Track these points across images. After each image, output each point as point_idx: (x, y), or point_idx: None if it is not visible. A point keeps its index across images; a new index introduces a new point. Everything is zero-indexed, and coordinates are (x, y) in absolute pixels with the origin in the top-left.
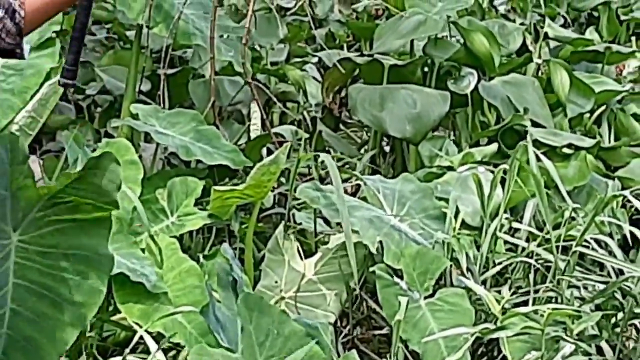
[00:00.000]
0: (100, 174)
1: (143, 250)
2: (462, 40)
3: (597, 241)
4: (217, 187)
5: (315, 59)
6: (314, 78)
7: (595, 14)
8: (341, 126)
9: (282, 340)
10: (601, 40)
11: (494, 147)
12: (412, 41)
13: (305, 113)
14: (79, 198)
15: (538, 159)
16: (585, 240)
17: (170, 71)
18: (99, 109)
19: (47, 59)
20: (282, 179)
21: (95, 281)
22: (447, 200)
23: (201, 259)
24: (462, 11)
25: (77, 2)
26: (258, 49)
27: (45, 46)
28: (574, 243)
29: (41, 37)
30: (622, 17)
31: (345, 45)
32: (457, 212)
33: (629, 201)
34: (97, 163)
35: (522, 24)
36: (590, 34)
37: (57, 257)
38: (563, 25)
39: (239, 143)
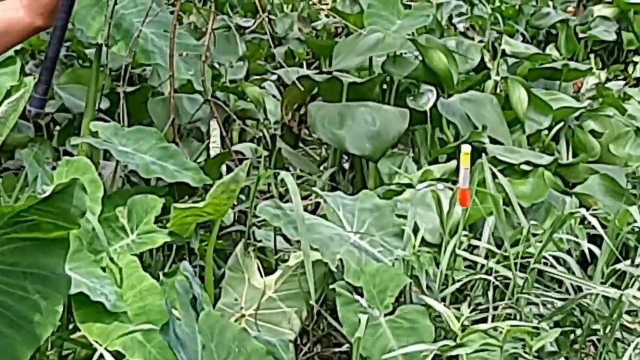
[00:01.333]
0: (68, 199)
1: (103, 269)
2: (420, 58)
3: (555, 258)
4: (177, 205)
5: (275, 77)
6: (273, 96)
7: (554, 31)
8: (301, 144)
9: (244, 358)
10: (560, 57)
11: (452, 164)
12: (370, 58)
13: (264, 130)
14: (41, 218)
15: (496, 177)
16: (544, 257)
17: (129, 89)
18: (57, 127)
19: (8, 78)
20: (242, 197)
21: (52, 301)
22: (406, 218)
23: (161, 277)
24: (421, 29)
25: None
26: (217, 66)
27: (6, 65)
28: (532, 260)
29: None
30: (580, 35)
31: (305, 63)
32: (417, 229)
33: (586, 218)
34: (66, 189)
35: (480, 41)
36: (551, 51)
37: (17, 275)
38: (522, 43)
39: (198, 160)
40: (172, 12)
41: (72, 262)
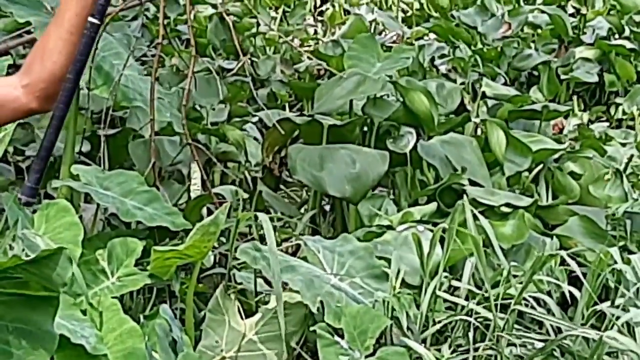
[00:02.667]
0: (52, 267)
1: (84, 311)
2: (401, 100)
3: (535, 299)
4: (157, 248)
5: (256, 119)
6: (255, 138)
7: (536, 73)
8: (282, 186)
9: None
10: (543, 99)
11: (432, 206)
12: (351, 101)
13: (246, 173)
14: (29, 277)
15: (476, 218)
16: (524, 299)
17: (110, 132)
18: None
19: None
20: (223, 239)
21: (37, 358)
22: (386, 259)
23: (142, 320)
24: (403, 70)
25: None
26: (199, 109)
27: None
28: (512, 301)
29: None
30: (563, 77)
31: (287, 105)
32: (398, 271)
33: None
34: (51, 256)
35: (462, 83)
36: (534, 93)
37: (2, 329)
38: (504, 84)
39: (179, 203)
40: (153, 55)
41: None
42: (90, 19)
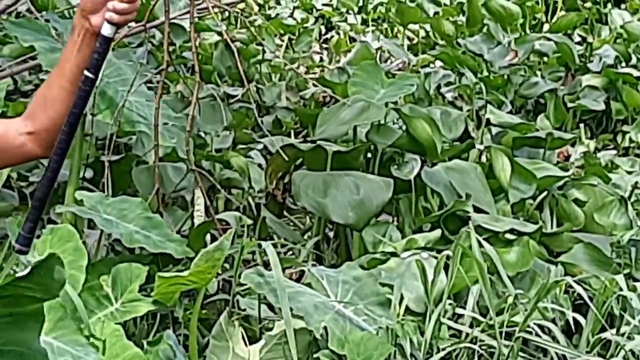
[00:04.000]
0: (48, 274)
1: (87, 337)
2: (405, 127)
3: (540, 327)
4: (161, 274)
5: (261, 146)
6: (259, 165)
7: (542, 101)
8: (285, 212)
9: None
10: (550, 127)
11: (437, 233)
12: (355, 127)
13: (250, 199)
14: (20, 293)
15: (480, 245)
16: (529, 326)
17: (114, 158)
18: None
19: None
20: (227, 265)
21: None
22: (390, 286)
23: (145, 346)
24: (409, 97)
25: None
26: (203, 135)
27: None
28: (517, 329)
29: None
30: (569, 105)
31: (292, 131)
32: (402, 298)
33: (572, 288)
34: (44, 264)
35: (469, 110)
36: (541, 121)
37: None
38: (510, 112)
39: (183, 229)
40: (158, 82)
41: (56, 330)
42: (85, 72)
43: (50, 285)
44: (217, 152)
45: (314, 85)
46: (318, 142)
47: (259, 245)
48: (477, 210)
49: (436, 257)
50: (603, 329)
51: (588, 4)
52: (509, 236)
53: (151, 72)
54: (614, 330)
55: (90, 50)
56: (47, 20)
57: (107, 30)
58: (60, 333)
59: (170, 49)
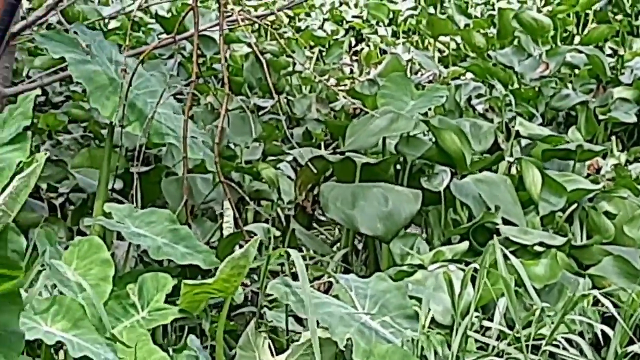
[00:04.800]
0: (3, 245)
1: (111, 340)
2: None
3: (567, 340)
4: (187, 282)
5: (290, 158)
6: (289, 177)
7: (574, 113)
8: (315, 224)
9: None
10: (581, 139)
11: (464, 245)
12: (384, 139)
13: (279, 211)
14: None
15: (507, 258)
16: (556, 339)
17: (143, 169)
18: (72, 207)
19: (18, 154)
20: (255, 276)
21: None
22: (418, 299)
23: (171, 353)
24: (439, 109)
25: None
26: (233, 147)
27: (16, 141)
28: (544, 342)
29: (12, 132)
30: (600, 117)
31: (322, 143)
32: (428, 310)
33: (599, 299)
34: None
35: (499, 122)
36: (572, 133)
37: None
38: (541, 125)
39: (211, 241)
40: (187, 93)
41: (75, 329)
42: None
43: (9, 258)
44: (246, 164)
45: (344, 97)
46: (347, 153)
47: (287, 255)
48: (506, 222)
49: (463, 270)
50: (631, 342)
51: (619, 17)
52: (538, 248)
53: (181, 84)
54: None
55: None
56: (75, 33)
57: None
58: (80, 332)
59: (201, 60)
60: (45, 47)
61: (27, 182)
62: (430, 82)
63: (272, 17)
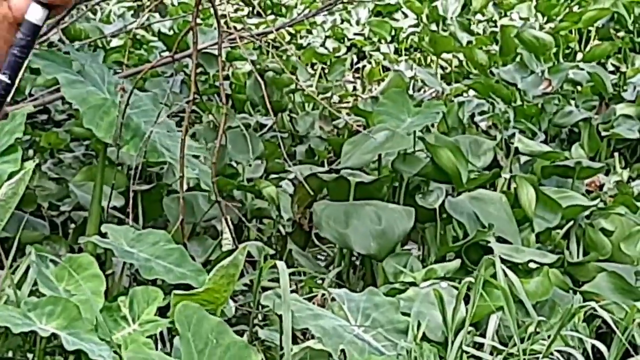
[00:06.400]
0: None
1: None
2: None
3: (562, 354)
4: (177, 292)
5: (293, 175)
6: (290, 194)
7: (577, 130)
8: (316, 241)
9: (222, 349)
10: (584, 156)
11: (456, 263)
12: (380, 156)
13: (281, 228)
14: None
15: (505, 274)
16: (552, 354)
17: (144, 187)
18: (73, 225)
19: (9, 165)
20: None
21: None
22: (410, 315)
23: None
24: (442, 126)
25: None
26: (235, 165)
27: (7, 152)
28: (537, 356)
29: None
30: (603, 134)
31: (325, 161)
32: (419, 325)
33: (593, 317)
34: None
35: (500, 139)
36: (575, 150)
37: None
38: (544, 141)
39: (210, 259)
40: (192, 111)
41: (71, 328)
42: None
43: None
44: (248, 182)
45: (348, 114)
46: (342, 172)
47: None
48: (501, 240)
49: (456, 287)
50: (624, 357)
51: (621, 34)
52: (532, 265)
53: (183, 102)
54: (636, 357)
55: (8, 44)
56: (67, 53)
57: (35, 14)
58: (75, 331)
59: (203, 78)
60: (38, 67)
61: (16, 189)
62: (433, 99)
63: (273, 35)
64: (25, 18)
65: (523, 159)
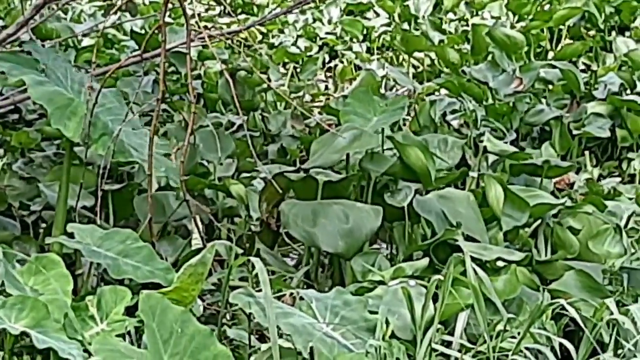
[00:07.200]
0: None
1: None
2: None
3: (531, 351)
4: (144, 291)
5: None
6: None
7: (548, 128)
8: (287, 239)
9: (187, 338)
10: (555, 155)
11: (424, 261)
12: (347, 155)
13: (252, 227)
14: None
15: (475, 271)
16: (521, 351)
17: (115, 187)
18: (44, 225)
19: None
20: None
21: None
22: (379, 314)
23: None
24: (414, 125)
25: None
26: (206, 164)
27: None
28: (506, 354)
29: None
30: (574, 132)
31: (297, 160)
32: (387, 323)
33: (561, 315)
34: None
35: (468, 137)
36: (546, 149)
37: None
38: (516, 140)
39: (180, 258)
40: (164, 110)
41: (39, 327)
42: None
43: None
44: (219, 181)
45: (320, 113)
46: (310, 171)
47: (249, 270)
48: (469, 238)
49: (425, 286)
50: (591, 355)
51: (592, 32)
52: (499, 264)
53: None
54: (606, 354)
55: None
56: (29, 53)
57: None
58: (44, 330)
59: (175, 77)
60: (2, 70)
61: None
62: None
63: (245, 34)
64: None
65: (492, 157)
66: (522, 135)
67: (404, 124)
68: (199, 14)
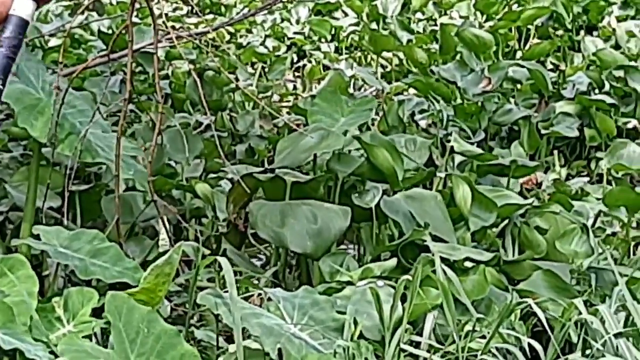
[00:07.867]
0: None
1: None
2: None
3: (500, 351)
4: (111, 292)
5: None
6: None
7: (516, 128)
8: (253, 241)
9: (154, 338)
10: (524, 154)
11: (392, 262)
12: (315, 155)
13: (219, 228)
14: None
15: (444, 273)
16: (490, 351)
17: (83, 187)
18: (11, 226)
19: None
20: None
21: None
22: (345, 314)
23: None
24: (383, 124)
25: None
26: (174, 164)
27: None
28: (475, 354)
29: None
30: (543, 131)
31: (266, 160)
32: (356, 324)
33: (529, 315)
34: None
35: (435, 137)
36: (515, 148)
37: None
38: (484, 139)
39: (148, 259)
40: (131, 111)
41: (5, 328)
42: None
43: None
44: (187, 181)
45: (288, 113)
46: (277, 171)
47: (217, 271)
48: (437, 239)
49: (393, 287)
50: (561, 354)
51: (560, 32)
52: (467, 264)
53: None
54: (574, 355)
55: None
56: None
57: (25, 9)
58: (10, 332)
59: (143, 77)
60: None
61: None
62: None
63: (213, 34)
64: (13, 14)
65: (459, 157)
66: (490, 135)
67: (373, 124)
68: (166, 14)
